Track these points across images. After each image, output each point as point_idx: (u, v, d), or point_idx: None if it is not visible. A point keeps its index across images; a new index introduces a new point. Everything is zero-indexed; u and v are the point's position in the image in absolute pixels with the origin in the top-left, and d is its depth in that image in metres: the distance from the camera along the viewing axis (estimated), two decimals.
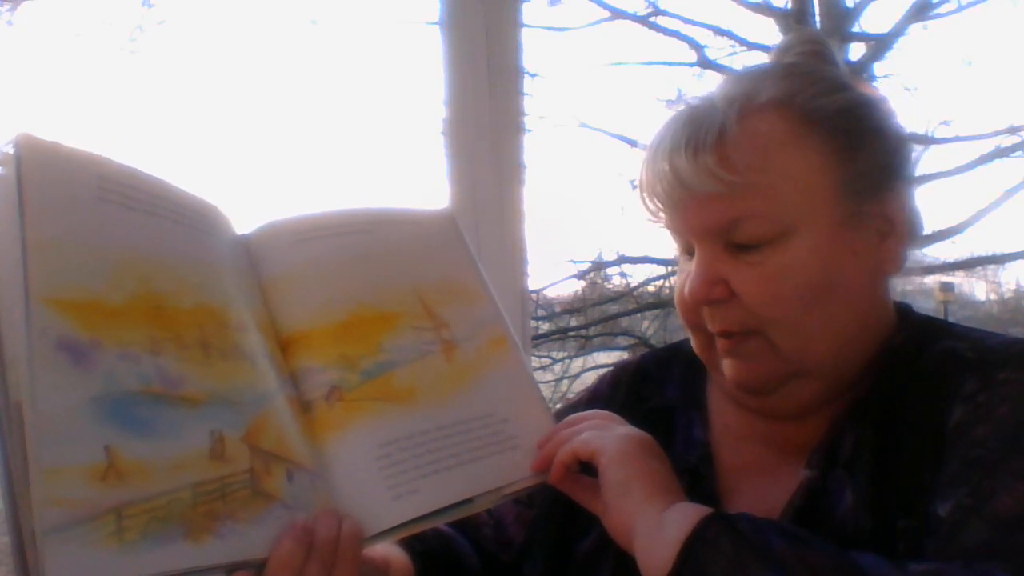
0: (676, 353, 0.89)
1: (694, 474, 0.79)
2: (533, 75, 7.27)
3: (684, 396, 0.86)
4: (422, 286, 0.78)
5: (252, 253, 0.75)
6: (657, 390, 0.88)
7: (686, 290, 0.74)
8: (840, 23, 7.12)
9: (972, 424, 0.67)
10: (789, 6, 7.30)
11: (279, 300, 0.74)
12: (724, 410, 0.83)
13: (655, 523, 0.65)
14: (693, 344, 0.80)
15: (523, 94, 1.43)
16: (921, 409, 0.71)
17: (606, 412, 0.76)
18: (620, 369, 0.93)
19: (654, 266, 7.81)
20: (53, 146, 0.60)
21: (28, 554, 0.50)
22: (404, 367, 0.74)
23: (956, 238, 7.35)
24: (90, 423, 0.54)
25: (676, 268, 0.82)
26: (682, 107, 0.76)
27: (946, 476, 0.66)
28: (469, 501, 0.72)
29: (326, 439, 0.69)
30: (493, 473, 0.74)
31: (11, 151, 0.57)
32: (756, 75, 0.76)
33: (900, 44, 7.50)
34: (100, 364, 0.56)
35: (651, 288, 7.96)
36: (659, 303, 7.50)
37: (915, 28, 7.58)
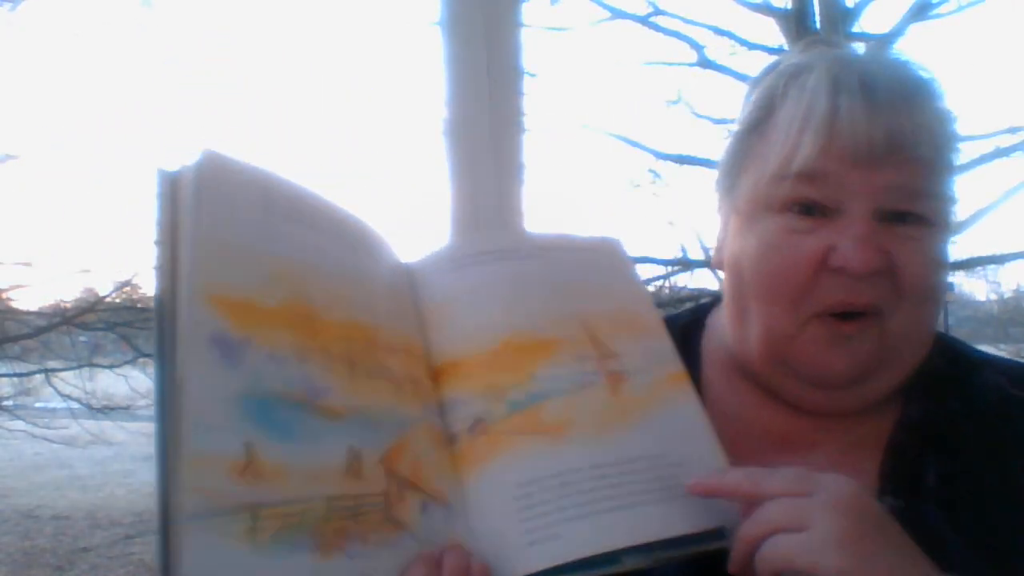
0: (669, 329, 0.86)
1: None
2: (533, 75, 7.27)
3: None
4: (591, 315, 0.73)
5: (414, 280, 0.73)
6: None
7: (853, 258, 0.67)
8: (840, 23, 7.11)
9: None
10: (789, 6, 7.29)
11: (435, 328, 0.71)
12: (718, 394, 0.81)
13: None
14: (772, 329, 0.72)
15: (523, 94, 1.42)
16: (1001, 451, 0.71)
17: (797, 470, 0.61)
18: None
19: (654, 266, 7.81)
20: (230, 160, 0.62)
21: (170, 533, 0.50)
22: (558, 398, 0.68)
23: (956, 238, 7.36)
24: (234, 417, 0.55)
25: (771, 247, 0.73)
26: (864, 57, 0.73)
27: None
28: (617, 561, 0.62)
29: (467, 474, 0.66)
30: (654, 522, 0.64)
31: (195, 163, 0.60)
32: (906, 62, 0.75)
33: (900, 44, 7.49)
34: (249, 362, 0.57)
35: (651, 288, 7.95)
36: (659, 303, 7.49)
37: (915, 28, 7.58)
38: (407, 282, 0.73)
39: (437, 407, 0.69)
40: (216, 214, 0.59)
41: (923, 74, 0.72)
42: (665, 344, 0.74)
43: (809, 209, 0.70)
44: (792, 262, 0.70)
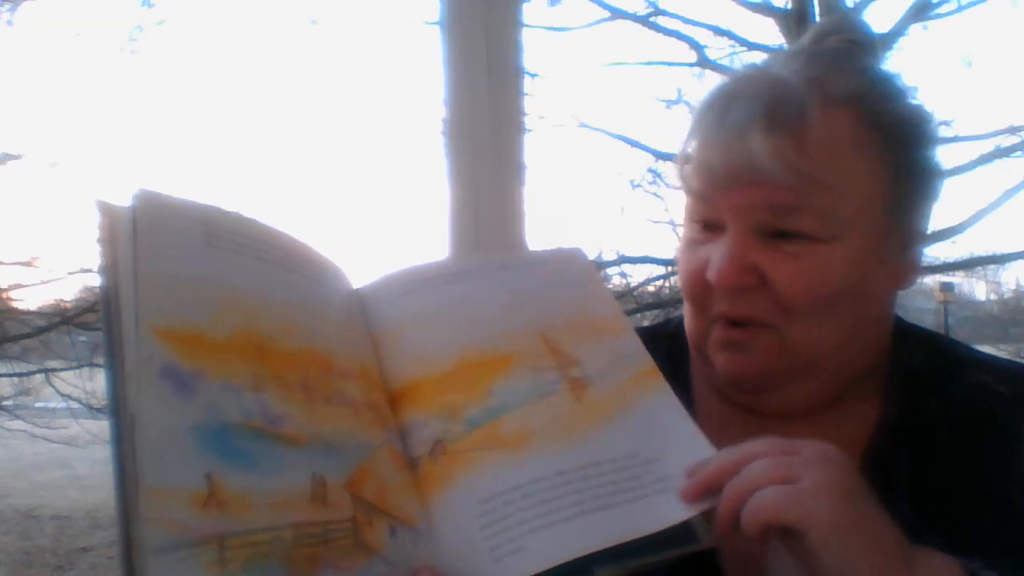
0: (661, 332, 0.88)
1: None
2: (533, 75, 7.27)
3: (669, 375, 0.85)
4: (549, 325, 0.73)
5: (365, 306, 0.73)
6: None
7: (713, 273, 0.70)
8: None
9: None
10: (789, 6, 7.29)
11: (389, 353, 0.71)
12: (707, 397, 0.82)
13: None
14: (690, 327, 0.77)
15: (523, 94, 1.42)
16: (979, 448, 0.70)
17: (776, 440, 0.62)
18: None
19: (654, 266, 7.80)
20: (164, 197, 0.62)
21: (135, 567, 0.50)
22: (517, 410, 0.68)
23: (956, 238, 7.35)
24: (192, 449, 0.54)
25: (681, 255, 0.78)
26: (749, 72, 0.73)
27: None
28: (588, 572, 0.61)
29: (431, 497, 0.66)
30: (620, 524, 0.62)
31: (129, 204, 0.59)
32: (824, 59, 0.73)
33: (900, 44, 7.49)
34: (202, 394, 0.56)
35: (651, 288, 7.95)
36: (659, 303, 7.49)
37: (915, 28, 7.58)
38: (359, 309, 0.73)
39: (398, 432, 0.68)
40: (155, 250, 0.58)
41: (806, 87, 0.69)
42: (632, 344, 0.73)
43: (709, 224, 0.73)
44: (688, 271, 0.74)
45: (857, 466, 0.72)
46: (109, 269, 0.57)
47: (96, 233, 0.58)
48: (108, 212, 0.58)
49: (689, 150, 0.73)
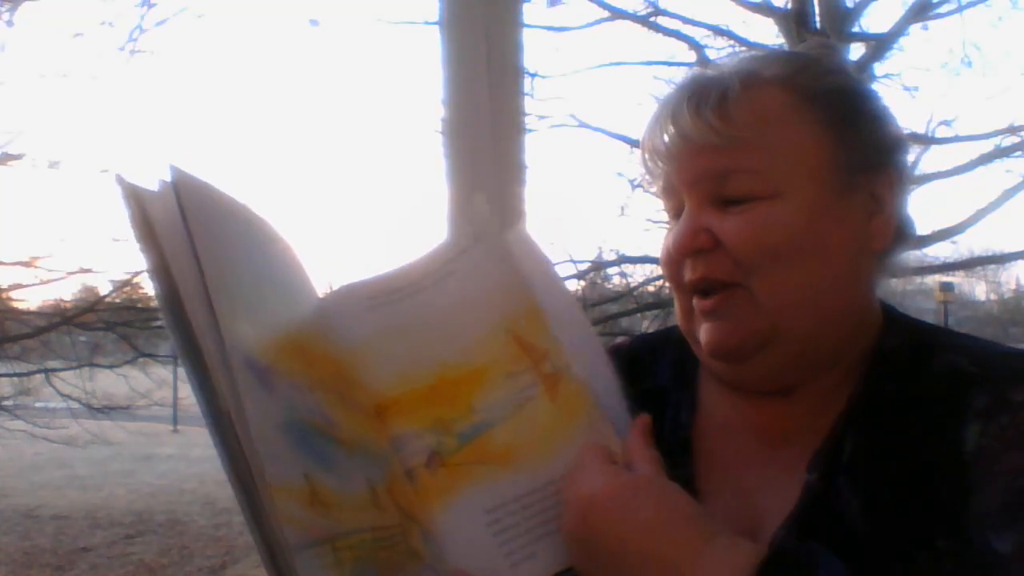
0: (668, 336, 0.89)
1: (671, 459, 0.77)
2: (533, 75, 7.27)
3: (675, 377, 0.87)
4: (515, 317, 0.72)
5: (329, 318, 0.70)
6: (649, 372, 0.88)
7: (672, 242, 0.76)
8: (840, 23, 7.11)
9: (1005, 450, 0.67)
10: (789, 6, 7.29)
11: (363, 367, 0.69)
12: (710, 395, 0.84)
13: None
14: (677, 310, 0.80)
15: (523, 94, 1.42)
16: (928, 424, 0.70)
17: (582, 460, 0.68)
18: (611, 352, 0.92)
19: (654, 266, 7.81)
20: (201, 181, 0.57)
21: (281, 565, 0.48)
22: (500, 426, 0.69)
23: (956, 238, 7.35)
24: (288, 446, 0.51)
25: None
26: (689, 75, 0.80)
27: (993, 506, 0.65)
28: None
29: (435, 506, 0.66)
30: None
31: (167, 180, 0.54)
32: (762, 55, 0.80)
33: (900, 44, 7.49)
34: (278, 390, 0.53)
35: (651, 288, 7.95)
36: (659, 303, 7.49)
37: (915, 28, 7.58)
38: (326, 321, 0.70)
39: (389, 444, 0.68)
40: (208, 238, 0.53)
41: (731, 76, 0.76)
42: (588, 324, 0.77)
43: (677, 213, 0.78)
44: (662, 253, 0.80)
45: (816, 447, 0.75)
46: (160, 257, 0.51)
47: (128, 218, 0.52)
48: (135, 195, 0.52)
49: (646, 154, 0.80)
